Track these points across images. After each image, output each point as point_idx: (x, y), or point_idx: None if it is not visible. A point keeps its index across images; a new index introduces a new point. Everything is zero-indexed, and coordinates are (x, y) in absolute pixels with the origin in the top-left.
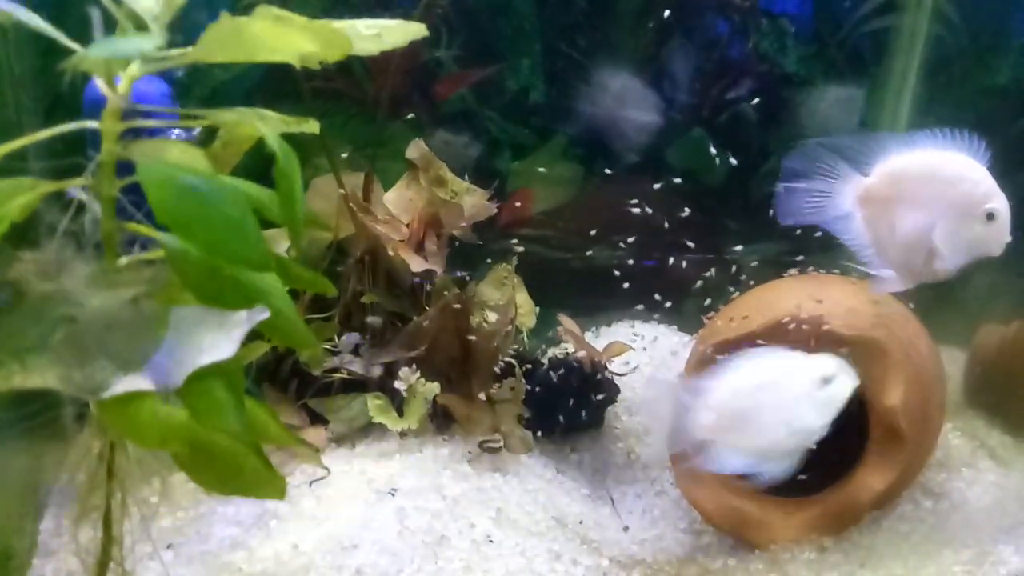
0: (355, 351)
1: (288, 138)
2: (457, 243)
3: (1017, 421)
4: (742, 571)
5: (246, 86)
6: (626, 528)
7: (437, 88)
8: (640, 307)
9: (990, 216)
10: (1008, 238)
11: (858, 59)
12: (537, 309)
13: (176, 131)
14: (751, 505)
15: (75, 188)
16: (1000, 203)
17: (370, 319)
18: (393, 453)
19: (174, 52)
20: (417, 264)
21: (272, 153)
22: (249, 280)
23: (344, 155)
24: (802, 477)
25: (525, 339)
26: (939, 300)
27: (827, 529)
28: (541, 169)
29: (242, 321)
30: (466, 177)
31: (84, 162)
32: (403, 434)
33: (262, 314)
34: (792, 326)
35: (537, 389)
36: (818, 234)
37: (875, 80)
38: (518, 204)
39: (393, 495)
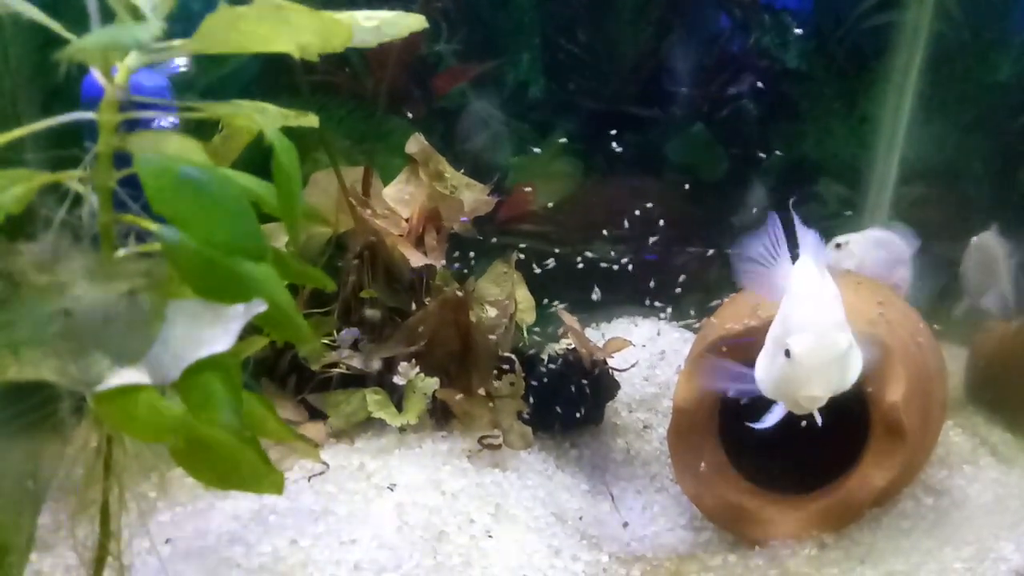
0: (354, 346)
1: (287, 132)
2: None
3: (1018, 418)
4: (742, 567)
5: (243, 80)
6: (626, 524)
7: (436, 82)
8: (641, 303)
9: (787, 353)
10: (806, 390)
11: (860, 55)
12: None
13: (164, 120)
14: (751, 501)
15: (72, 180)
16: (798, 346)
17: (368, 312)
18: (392, 448)
19: (172, 43)
20: (417, 259)
21: (270, 146)
22: (247, 273)
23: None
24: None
25: (525, 335)
26: (941, 297)
27: (828, 525)
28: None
29: (239, 314)
30: None
31: (81, 154)
32: (402, 429)
33: (259, 307)
34: None
35: (537, 384)
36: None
37: (877, 76)
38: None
39: (392, 490)
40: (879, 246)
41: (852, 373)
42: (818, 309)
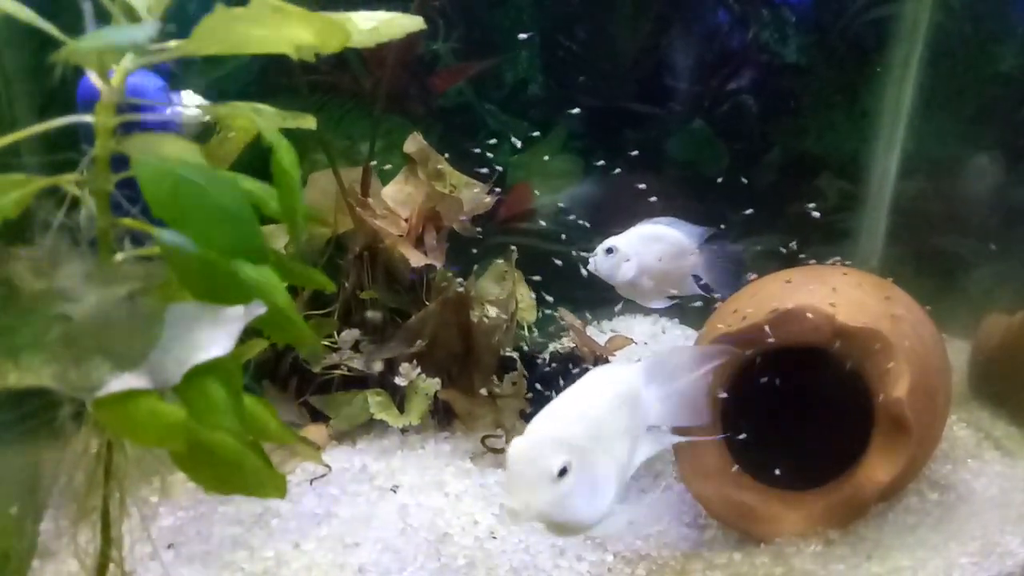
0: (355, 347)
1: (286, 133)
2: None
3: (1022, 412)
4: (747, 565)
5: (242, 81)
6: (630, 523)
7: (435, 81)
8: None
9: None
10: (506, 497)
11: (860, 48)
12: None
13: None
14: (756, 499)
15: (69, 183)
16: (511, 448)
17: (369, 314)
18: (395, 450)
19: (168, 44)
20: (416, 259)
21: (269, 147)
22: (246, 276)
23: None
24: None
25: (526, 334)
26: (944, 291)
27: (833, 522)
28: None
29: (239, 317)
30: None
31: (79, 157)
32: (404, 430)
33: (259, 309)
34: (797, 317)
35: (539, 384)
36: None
37: (877, 69)
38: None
39: (395, 492)
40: (652, 240)
41: (580, 514)
42: (559, 418)
